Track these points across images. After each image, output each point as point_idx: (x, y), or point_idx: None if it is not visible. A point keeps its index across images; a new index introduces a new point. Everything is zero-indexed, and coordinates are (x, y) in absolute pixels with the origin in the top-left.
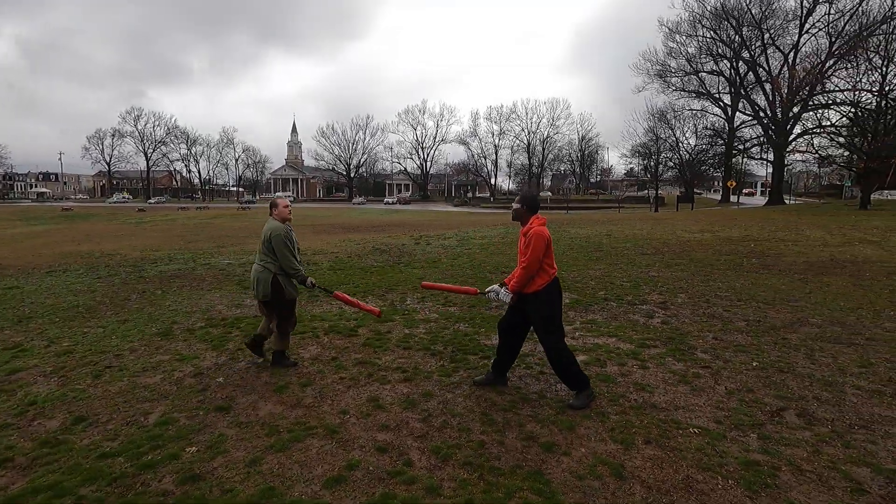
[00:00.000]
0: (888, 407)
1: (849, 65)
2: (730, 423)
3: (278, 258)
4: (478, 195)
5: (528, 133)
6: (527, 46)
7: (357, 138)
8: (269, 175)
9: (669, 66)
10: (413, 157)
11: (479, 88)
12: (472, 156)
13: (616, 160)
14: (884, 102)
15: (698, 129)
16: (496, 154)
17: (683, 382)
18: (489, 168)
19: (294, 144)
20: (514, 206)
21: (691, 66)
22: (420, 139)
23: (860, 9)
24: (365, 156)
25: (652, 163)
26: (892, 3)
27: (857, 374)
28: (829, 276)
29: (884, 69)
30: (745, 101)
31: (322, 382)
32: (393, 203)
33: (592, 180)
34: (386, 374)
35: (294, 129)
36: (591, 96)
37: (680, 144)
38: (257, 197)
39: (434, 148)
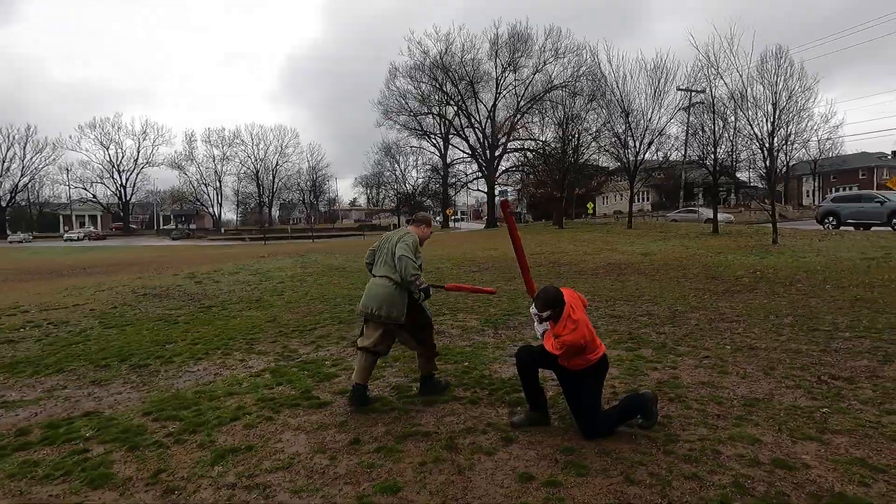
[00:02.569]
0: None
1: (527, 121)
2: None
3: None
4: (204, 227)
5: (256, 160)
6: (233, 69)
7: (10, 155)
8: None
9: (391, 106)
10: (106, 181)
11: (189, 108)
12: (190, 182)
13: (343, 190)
14: (548, 148)
15: (418, 164)
16: (220, 181)
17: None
18: (212, 196)
19: None
20: (545, 315)
21: (409, 107)
22: (115, 160)
23: (532, 81)
24: (27, 178)
25: (381, 193)
26: (548, 79)
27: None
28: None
29: (544, 127)
30: (462, 141)
31: None
32: (79, 238)
33: (322, 209)
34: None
35: None
36: (312, 128)
37: (405, 177)
38: None
39: (136, 171)
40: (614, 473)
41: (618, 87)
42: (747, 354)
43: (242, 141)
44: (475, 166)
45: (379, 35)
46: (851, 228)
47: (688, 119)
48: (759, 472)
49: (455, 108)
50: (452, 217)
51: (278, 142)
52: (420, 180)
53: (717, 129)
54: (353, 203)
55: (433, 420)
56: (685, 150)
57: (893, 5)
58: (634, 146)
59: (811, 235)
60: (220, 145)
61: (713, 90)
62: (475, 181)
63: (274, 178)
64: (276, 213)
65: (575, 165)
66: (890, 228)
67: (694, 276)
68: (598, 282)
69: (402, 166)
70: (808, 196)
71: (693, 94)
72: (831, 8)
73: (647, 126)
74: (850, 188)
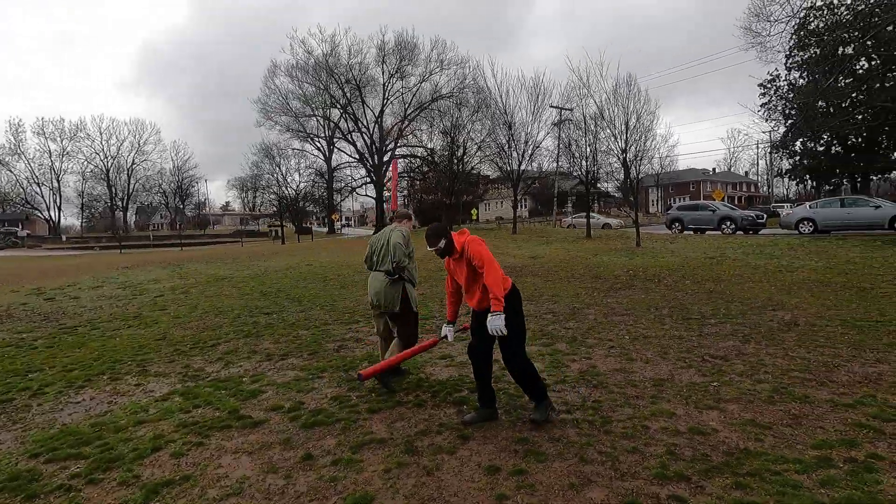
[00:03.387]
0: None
1: (415, 128)
2: None
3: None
4: (37, 234)
5: (106, 157)
6: (72, 51)
7: None
8: None
9: (272, 106)
10: None
11: (10, 91)
12: (18, 181)
13: (215, 192)
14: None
15: (301, 168)
16: (58, 181)
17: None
18: (47, 197)
19: None
20: (439, 245)
21: (291, 108)
22: None
23: (419, 89)
24: None
25: (259, 197)
26: (434, 88)
27: None
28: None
29: (432, 135)
30: (348, 145)
31: None
32: None
33: (190, 213)
34: None
35: None
36: (177, 124)
37: (287, 181)
38: None
39: None
40: (569, 456)
41: (501, 100)
42: (643, 343)
43: (88, 135)
44: (363, 171)
45: (254, 27)
46: (691, 232)
47: (559, 134)
48: (682, 440)
49: (341, 111)
50: (338, 222)
51: (134, 137)
52: (303, 184)
53: (587, 143)
54: (226, 207)
55: (384, 427)
56: (557, 162)
57: (711, 48)
58: (517, 157)
59: (663, 238)
60: (59, 138)
61: (584, 109)
62: (363, 186)
63: (129, 178)
64: (132, 217)
65: (462, 173)
66: (719, 232)
67: (580, 276)
68: None
69: (284, 169)
70: (653, 205)
71: (564, 111)
72: (663, 45)
73: (527, 139)
74: (684, 198)
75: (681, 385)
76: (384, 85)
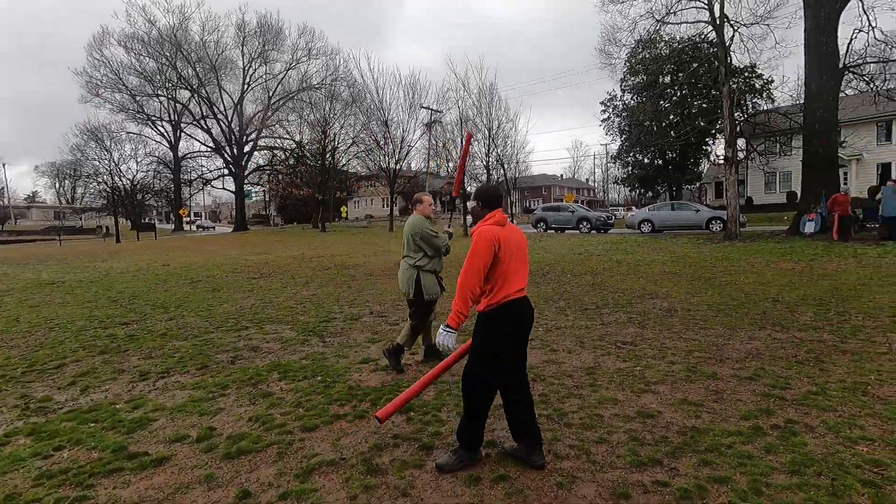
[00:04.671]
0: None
1: (281, 118)
2: None
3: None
4: None
5: None
6: None
7: None
8: None
9: (101, 80)
10: None
11: None
12: None
13: (17, 180)
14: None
15: (139, 156)
16: None
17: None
18: None
19: None
20: (470, 204)
21: (127, 85)
22: None
23: (285, 77)
24: None
25: (80, 188)
26: (303, 77)
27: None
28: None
29: (302, 127)
30: (202, 132)
31: None
32: None
33: None
34: None
35: None
36: None
37: (120, 170)
38: None
39: None
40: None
41: (377, 95)
42: (557, 334)
43: None
44: (220, 162)
45: None
46: (553, 231)
47: (430, 135)
48: (637, 425)
49: (192, 93)
50: (187, 219)
51: None
52: (141, 174)
53: (454, 146)
54: (32, 198)
55: (328, 446)
56: (428, 161)
57: (564, 64)
58: (394, 153)
59: (532, 237)
60: None
61: (462, 110)
62: (220, 178)
63: None
64: None
65: (334, 168)
66: (578, 231)
67: None
68: (392, 283)
69: (117, 155)
70: (511, 206)
71: (434, 113)
72: (526, 58)
73: (403, 136)
74: (538, 202)
75: (610, 372)
76: (244, 69)
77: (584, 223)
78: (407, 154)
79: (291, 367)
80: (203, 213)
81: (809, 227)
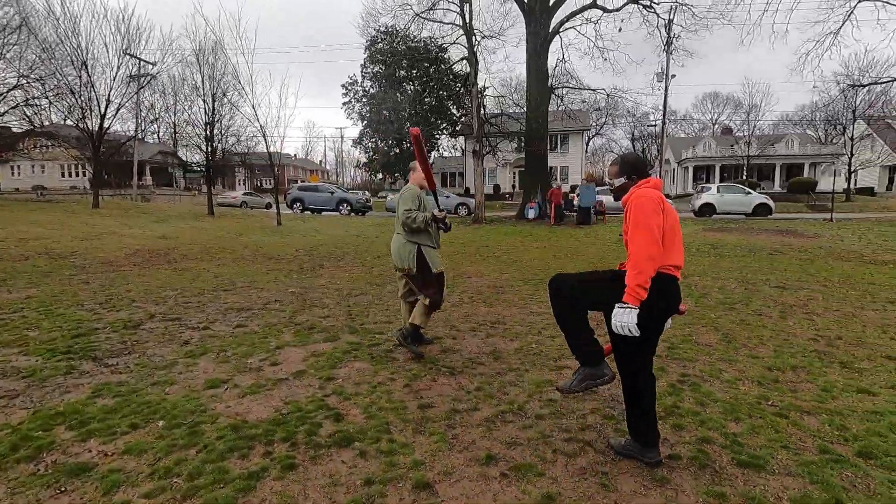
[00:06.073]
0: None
1: None
2: None
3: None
4: None
5: None
6: None
7: None
8: None
9: None
10: None
11: None
12: None
13: None
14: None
15: None
16: None
17: None
18: None
19: None
20: (615, 181)
21: None
22: None
23: None
24: None
25: None
26: None
27: None
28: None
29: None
30: None
31: None
32: None
33: None
34: None
35: None
36: None
37: None
38: None
39: None
40: (555, 459)
41: (66, 24)
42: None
43: None
44: None
45: None
46: (310, 213)
47: (137, 92)
48: (595, 404)
49: None
50: None
51: None
52: None
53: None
54: None
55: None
56: (137, 123)
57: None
58: (99, 109)
59: (293, 218)
60: None
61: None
62: None
63: None
64: None
65: None
66: (338, 213)
67: (252, 257)
68: (153, 275)
69: None
70: (240, 184)
71: (144, 64)
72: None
73: (113, 87)
74: (270, 181)
75: (528, 353)
76: None
77: (345, 205)
78: (117, 111)
79: (84, 414)
80: None
81: (531, 213)
